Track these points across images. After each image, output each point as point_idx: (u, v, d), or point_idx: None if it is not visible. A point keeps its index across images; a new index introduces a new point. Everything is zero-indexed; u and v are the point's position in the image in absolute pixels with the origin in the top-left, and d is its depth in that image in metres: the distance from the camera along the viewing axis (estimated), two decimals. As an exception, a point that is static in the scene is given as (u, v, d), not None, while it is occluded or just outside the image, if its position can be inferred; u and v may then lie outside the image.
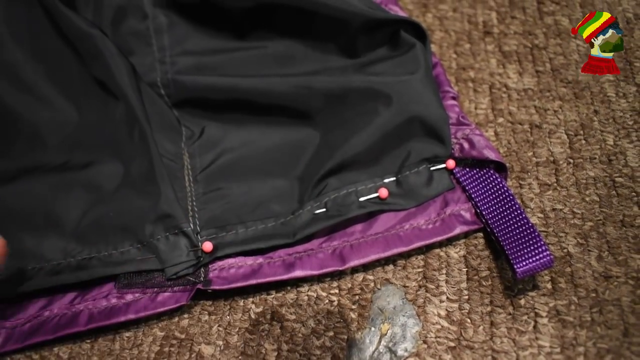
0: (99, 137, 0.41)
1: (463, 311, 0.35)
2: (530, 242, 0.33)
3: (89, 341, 0.36)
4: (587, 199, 0.38)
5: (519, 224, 0.34)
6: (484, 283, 0.36)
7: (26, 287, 0.36)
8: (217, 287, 0.35)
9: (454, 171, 0.39)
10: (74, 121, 0.42)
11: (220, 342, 0.35)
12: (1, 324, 0.36)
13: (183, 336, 0.35)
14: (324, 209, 0.37)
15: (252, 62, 0.44)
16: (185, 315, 0.36)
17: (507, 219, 0.35)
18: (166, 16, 0.46)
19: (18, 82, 0.42)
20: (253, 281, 0.35)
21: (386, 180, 0.38)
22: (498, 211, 0.36)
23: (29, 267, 0.36)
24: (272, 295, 0.37)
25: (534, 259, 0.33)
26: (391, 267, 0.37)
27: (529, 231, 0.34)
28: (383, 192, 0.38)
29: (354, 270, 0.37)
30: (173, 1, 0.45)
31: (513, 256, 0.33)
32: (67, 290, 0.37)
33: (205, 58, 0.45)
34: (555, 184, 0.39)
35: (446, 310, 0.35)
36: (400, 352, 0.33)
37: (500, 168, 0.37)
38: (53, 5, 0.41)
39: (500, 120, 0.43)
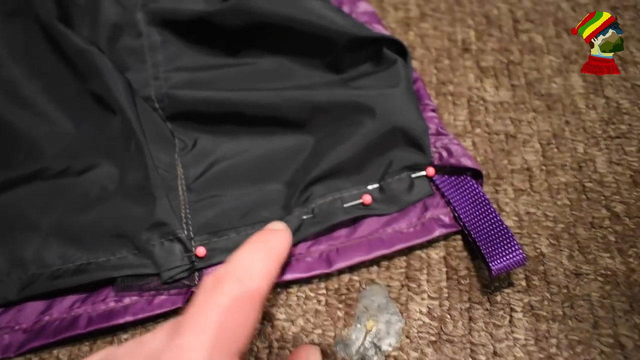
0: (97, 149, 0.42)
1: (443, 308, 0.37)
2: (504, 242, 0.35)
3: (87, 344, 0.37)
4: (559, 203, 0.40)
5: (494, 225, 0.36)
6: (462, 282, 0.38)
7: (27, 292, 0.37)
8: (210, 289, 0.36)
9: (434, 178, 0.40)
10: (71, 134, 0.43)
11: (214, 342, 0.36)
12: (2, 329, 0.37)
13: (178, 337, 0.37)
14: (311, 215, 0.39)
15: (243, 77, 0.46)
16: (180, 317, 0.38)
17: (482, 221, 0.37)
18: (160, 34, 0.47)
19: (17, 99, 0.44)
20: (244, 283, 0.37)
21: (370, 187, 0.40)
22: (474, 214, 0.38)
23: (29, 273, 0.38)
24: (263, 297, 0.38)
25: (507, 257, 0.35)
26: (375, 268, 0.39)
27: (503, 232, 0.36)
28: (367, 199, 0.39)
29: (341, 271, 0.39)
30: (167, 20, 0.47)
31: (488, 255, 0.35)
32: (66, 295, 0.38)
33: (197, 74, 0.46)
34: (529, 190, 0.41)
35: (427, 307, 0.37)
36: (384, 347, 0.35)
37: (476, 175, 0.39)
38: (50, 24, 0.43)
39: (478, 131, 0.45)
